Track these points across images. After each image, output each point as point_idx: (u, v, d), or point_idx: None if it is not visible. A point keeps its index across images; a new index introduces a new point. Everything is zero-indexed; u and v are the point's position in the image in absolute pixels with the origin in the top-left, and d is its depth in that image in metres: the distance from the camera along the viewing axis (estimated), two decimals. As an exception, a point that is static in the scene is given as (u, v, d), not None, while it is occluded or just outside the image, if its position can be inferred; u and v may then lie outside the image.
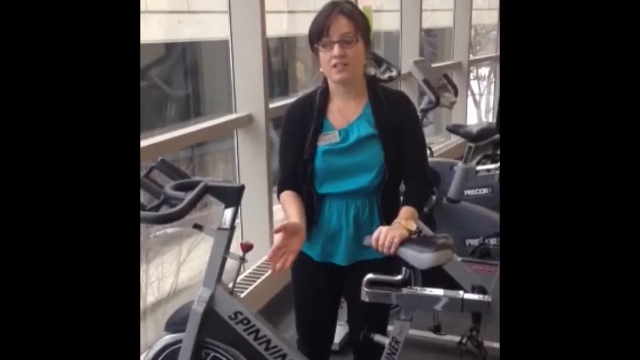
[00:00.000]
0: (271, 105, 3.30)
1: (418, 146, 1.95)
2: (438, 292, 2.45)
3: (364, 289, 1.87)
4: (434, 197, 3.31)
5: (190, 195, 1.79)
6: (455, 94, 3.76)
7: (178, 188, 1.85)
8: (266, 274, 3.11)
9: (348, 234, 1.91)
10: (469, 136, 3.45)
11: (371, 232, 1.81)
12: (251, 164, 3.25)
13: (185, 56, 7.57)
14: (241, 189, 1.87)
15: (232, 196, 1.86)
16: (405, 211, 1.86)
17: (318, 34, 1.83)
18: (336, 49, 1.80)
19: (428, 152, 3.54)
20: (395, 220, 1.83)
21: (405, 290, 2.09)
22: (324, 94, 1.92)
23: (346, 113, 1.90)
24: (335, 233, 1.92)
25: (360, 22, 1.84)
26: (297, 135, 1.91)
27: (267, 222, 3.28)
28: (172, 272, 5.42)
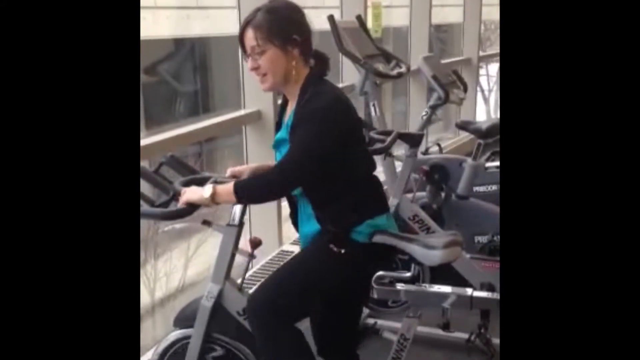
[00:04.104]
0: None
1: (295, 143, 1.77)
2: (446, 289, 2.45)
3: (373, 285, 1.87)
4: (442, 194, 3.31)
5: (199, 191, 1.78)
6: (465, 90, 3.74)
7: (187, 184, 1.85)
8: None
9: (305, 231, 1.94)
10: (478, 133, 3.43)
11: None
12: (260, 159, 3.24)
13: (194, 52, 7.58)
14: (250, 185, 1.86)
15: (241, 192, 1.85)
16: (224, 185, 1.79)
17: (240, 46, 1.85)
18: (249, 63, 1.82)
19: (436, 148, 3.57)
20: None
21: (413, 287, 2.09)
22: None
23: (287, 114, 1.93)
24: (302, 229, 1.95)
25: (274, 26, 1.78)
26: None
27: (276, 218, 3.28)
28: (180, 267, 5.45)
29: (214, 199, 1.74)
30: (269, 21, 1.79)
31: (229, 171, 1.96)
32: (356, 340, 2.16)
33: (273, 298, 1.81)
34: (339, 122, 1.78)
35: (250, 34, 1.79)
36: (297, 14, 1.85)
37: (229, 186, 1.75)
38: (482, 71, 9.89)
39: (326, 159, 1.75)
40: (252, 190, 1.78)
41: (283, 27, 1.80)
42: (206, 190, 1.74)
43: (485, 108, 11.34)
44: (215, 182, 1.85)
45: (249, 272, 3.02)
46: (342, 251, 1.81)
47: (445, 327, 2.47)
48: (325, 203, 1.85)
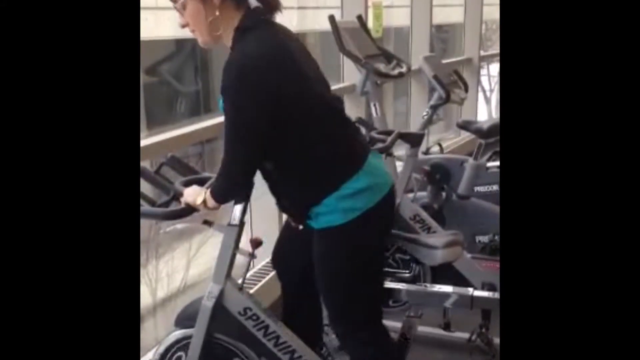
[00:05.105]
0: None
1: (225, 138, 1.62)
2: (447, 288, 2.46)
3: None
4: (443, 194, 3.31)
5: (200, 191, 1.78)
6: (466, 90, 3.73)
7: (188, 184, 1.85)
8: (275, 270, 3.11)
9: None
10: (479, 132, 3.43)
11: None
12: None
13: (196, 52, 7.59)
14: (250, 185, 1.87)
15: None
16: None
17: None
18: (178, 19, 1.66)
19: (437, 148, 3.57)
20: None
21: (414, 287, 2.09)
22: None
23: None
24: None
25: None
26: None
27: (277, 218, 3.28)
28: (181, 267, 5.45)
29: (205, 205, 1.71)
30: None
31: None
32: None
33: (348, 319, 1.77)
34: (257, 93, 1.54)
35: None
36: None
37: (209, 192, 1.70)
38: (484, 71, 9.90)
39: (263, 133, 1.57)
40: (222, 194, 1.70)
41: None
42: (199, 198, 1.71)
43: (487, 108, 11.34)
44: (216, 183, 1.86)
45: (250, 272, 3.02)
46: (300, 227, 1.74)
47: (446, 327, 2.47)
48: (275, 179, 1.71)
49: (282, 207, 1.77)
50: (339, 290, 1.76)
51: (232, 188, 1.72)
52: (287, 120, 1.59)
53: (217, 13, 1.60)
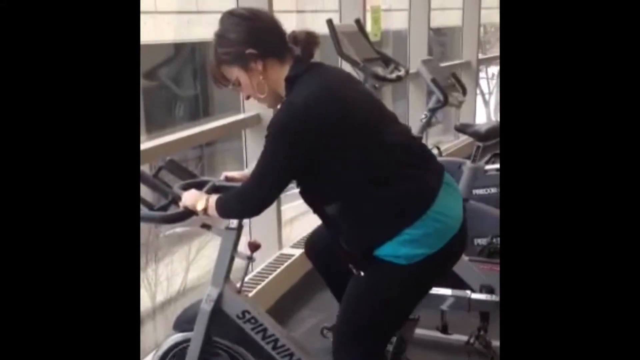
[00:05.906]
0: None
1: (256, 165, 1.67)
2: (445, 291, 2.46)
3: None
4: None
5: (198, 195, 1.79)
6: (464, 93, 3.74)
7: (186, 188, 1.86)
8: (274, 273, 3.12)
9: None
10: (477, 135, 3.43)
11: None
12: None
13: (195, 56, 7.60)
14: (249, 188, 1.87)
15: (240, 196, 1.86)
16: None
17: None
18: (242, 94, 1.78)
19: (435, 151, 3.57)
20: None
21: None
22: None
23: None
24: None
25: (225, 55, 1.68)
26: None
27: (275, 221, 3.28)
28: (181, 271, 5.45)
29: (206, 212, 1.74)
30: (221, 53, 1.70)
31: (223, 175, 1.97)
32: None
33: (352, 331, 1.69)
34: (295, 139, 1.59)
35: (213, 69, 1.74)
36: (239, 26, 1.68)
37: (214, 201, 1.74)
38: (482, 74, 9.92)
39: (292, 177, 1.65)
40: (228, 211, 1.76)
41: (229, 51, 1.68)
42: (199, 204, 1.74)
43: (486, 111, 11.36)
44: (214, 186, 1.87)
45: (249, 276, 3.03)
46: (362, 273, 1.69)
47: (444, 329, 2.48)
48: (333, 222, 1.70)
49: (344, 251, 1.72)
50: (363, 316, 1.68)
51: (242, 213, 1.82)
52: (341, 163, 1.60)
53: (261, 78, 1.68)
